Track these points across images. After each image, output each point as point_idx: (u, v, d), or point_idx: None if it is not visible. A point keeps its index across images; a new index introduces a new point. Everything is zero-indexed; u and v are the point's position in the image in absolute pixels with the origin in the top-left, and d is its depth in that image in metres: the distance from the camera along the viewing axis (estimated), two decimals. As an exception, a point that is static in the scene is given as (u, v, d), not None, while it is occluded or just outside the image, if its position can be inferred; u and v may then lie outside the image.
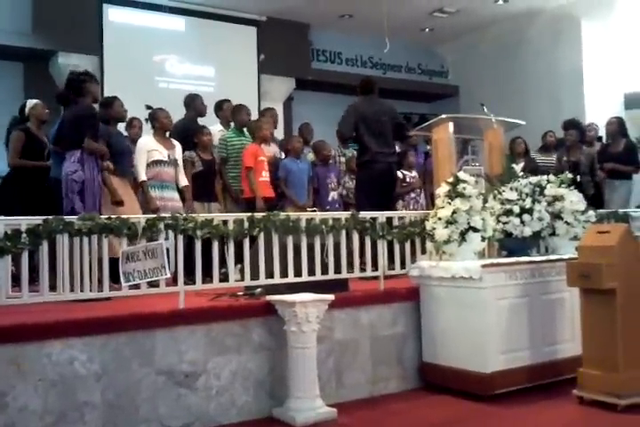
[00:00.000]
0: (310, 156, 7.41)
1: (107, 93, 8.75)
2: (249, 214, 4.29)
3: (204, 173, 6.27)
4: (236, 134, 6.78)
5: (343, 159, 7.69)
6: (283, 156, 7.16)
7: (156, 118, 6.01)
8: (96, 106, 5.43)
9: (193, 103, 6.85)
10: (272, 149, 7.01)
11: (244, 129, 6.86)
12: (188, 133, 6.37)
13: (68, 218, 3.81)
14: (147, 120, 6.19)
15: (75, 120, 5.03)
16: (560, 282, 4.39)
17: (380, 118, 6.01)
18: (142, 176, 5.78)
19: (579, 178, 5.33)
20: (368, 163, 5.96)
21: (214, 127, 6.95)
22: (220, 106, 7.20)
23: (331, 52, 12.19)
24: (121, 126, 6.32)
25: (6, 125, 6.20)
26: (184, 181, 6.04)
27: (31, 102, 6.06)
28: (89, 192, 4.86)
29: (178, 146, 6.08)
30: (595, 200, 6.63)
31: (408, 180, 7.25)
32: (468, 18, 11.31)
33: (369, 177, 5.94)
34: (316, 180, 7.11)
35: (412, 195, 7.27)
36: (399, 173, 6.93)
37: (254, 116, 7.42)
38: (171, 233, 4.00)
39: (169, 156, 5.91)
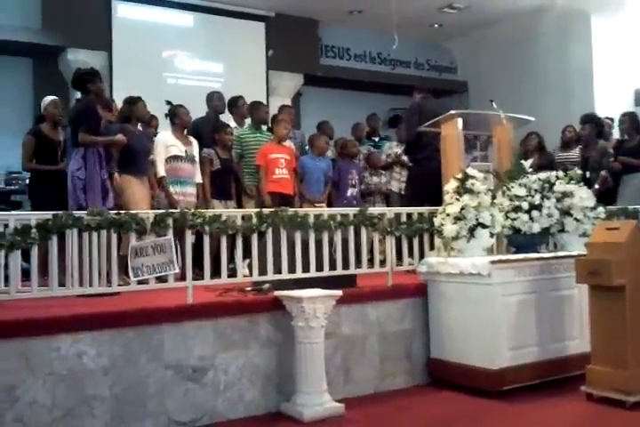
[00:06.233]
0: (329, 153, 7.41)
1: (115, 90, 8.80)
2: (257, 210, 4.30)
3: (221, 171, 6.26)
4: (251, 131, 6.77)
5: (361, 156, 7.76)
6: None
7: (177, 115, 6.04)
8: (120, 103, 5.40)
9: (210, 102, 6.90)
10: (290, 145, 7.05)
11: (262, 126, 6.85)
12: (205, 131, 6.38)
13: (77, 213, 3.82)
14: (166, 116, 6.20)
15: (73, 119, 5.06)
16: (569, 279, 4.38)
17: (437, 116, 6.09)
18: (162, 172, 5.81)
19: (587, 174, 5.30)
20: (425, 160, 6.01)
21: None
22: (234, 103, 7.08)
23: (339, 48, 12.14)
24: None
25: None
26: (199, 179, 6.04)
27: (45, 101, 5.94)
28: (91, 188, 4.87)
29: (195, 143, 6.11)
30: (603, 196, 6.55)
31: None
32: (478, 13, 11.25)
33: (426, 174, 5.90)
34: (337, 174, 7.14)
35: None
36: None
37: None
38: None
39: (186, 152, 5.94)
